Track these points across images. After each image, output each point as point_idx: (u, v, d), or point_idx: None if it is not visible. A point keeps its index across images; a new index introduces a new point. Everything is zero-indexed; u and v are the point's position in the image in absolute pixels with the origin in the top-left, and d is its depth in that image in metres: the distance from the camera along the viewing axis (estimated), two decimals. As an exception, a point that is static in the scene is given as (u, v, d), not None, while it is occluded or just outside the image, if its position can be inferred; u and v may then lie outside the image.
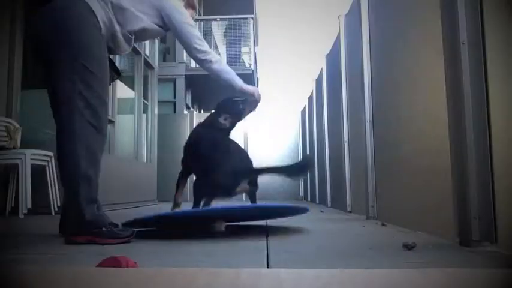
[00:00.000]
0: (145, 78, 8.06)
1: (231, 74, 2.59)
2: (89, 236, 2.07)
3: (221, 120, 2.71)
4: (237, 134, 10.84)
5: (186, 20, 2.48)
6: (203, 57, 2.50)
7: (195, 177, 2.84)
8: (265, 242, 2.15)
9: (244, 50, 11.43)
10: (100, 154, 2.22)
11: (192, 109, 12.05)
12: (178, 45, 10.65)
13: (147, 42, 8.46)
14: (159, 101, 8.74)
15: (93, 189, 2.16)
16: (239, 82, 2.62)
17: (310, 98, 8.64)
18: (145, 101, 8.04)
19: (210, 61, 2.51)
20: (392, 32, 3.17)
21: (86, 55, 2.19)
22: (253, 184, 2.78)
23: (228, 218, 2.50)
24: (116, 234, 2.09)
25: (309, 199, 9.33)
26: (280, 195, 9.95)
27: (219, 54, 14.31)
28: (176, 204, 2.80)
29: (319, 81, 7.12)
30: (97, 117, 2.18)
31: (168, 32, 2.53)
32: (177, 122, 10.39)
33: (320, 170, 7.49)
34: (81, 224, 2.09)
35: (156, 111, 8.42)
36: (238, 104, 2.74)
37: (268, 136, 10.80)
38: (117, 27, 2.32)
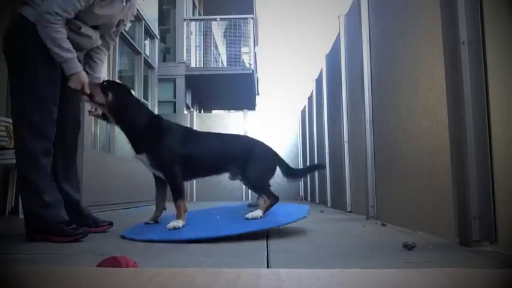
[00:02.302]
0: (145, 78, 8.07)
1: (59, 56, 2.28)
2: (42, 234, 2.21)
3: None
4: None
5: None
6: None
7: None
8: (265, 242, 2.16)
9: (244, 50, 11.43)
10: (43, 156, 2.31)
11: (192, 109, 12.06)
12: (178, 45, 10.68)
13: (147, 42, 8.47)
14: (159, 101, 8.75)
15: (41, 190, 2.27)
16: (68, 69, 2.31)
17: (310, 98, 8.64)
18: (145, 101, 8.05)
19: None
20: (392, 32, 3.17)
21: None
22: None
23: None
24: (66, 233, 2.18)
25: (309, 199, 9.33)
26: (280, 196, 9.94)
27: (219, 54, 14.35)
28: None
29: (319, 81, 7.12)
30: (40, 127, 2.31)
31: None
32: (177, 122, 10.37)
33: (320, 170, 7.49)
34: (34, 224, 2.24)
35: (156, 111, 8.43)
36: None
37: (268, 136, 10.80)
38: None
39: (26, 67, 2.32)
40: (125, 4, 2.56)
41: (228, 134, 2.88)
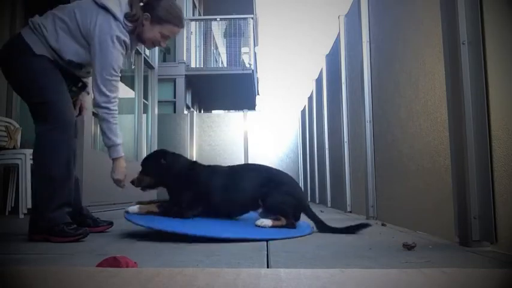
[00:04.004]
0: (145, 78, 8.06)
1: (111, 140, 2.39)
2: (43, 234, 2.21)
3: None
4: (237, 134, 10.87)
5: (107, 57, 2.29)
6: (103, 105, 2.33)
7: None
8: (265, 242, 2.15)
9: (244, 50, 11.43)
10: (63, 151, 2.30)
11: (191, 109, 12.06)
12: (178, 45, 10.68)
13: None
14: (159, 101, 8.75)
15: (54, 189, 2.25)
16: (114, 153, 2.42)
17: (310, 98, 8.64)
18: (145, 101, 8.05)
19: (105, 115, 2.34)
20: (392, 32, 3.17)
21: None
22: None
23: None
24: (66, 233, 2.18)
25: (309, 199, 9.33)
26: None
27: (219, 54, 14.34)
28: None
29: (319, 81, 7.12)
30: (60, 125, 2.29)
31: None
32: (177, 122, 10.39)
33: (320, 170, 7.49)
34: (37, 224, 2.23)
35: (156, 111, 8.43)
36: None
37: (268, 136, 10.80)
38: (57, 58, 2.33)
39: (32, 84, 2.30)
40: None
41: (256, 169, 2.85)
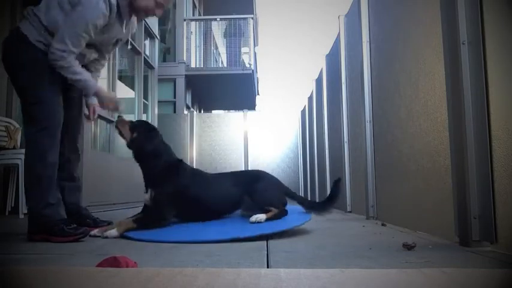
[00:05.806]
0: (145, 78, 8.07)
1: (80, 80, 2.31)
2: (43, 234, 2.20)
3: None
4: (237, 134, 10.83)
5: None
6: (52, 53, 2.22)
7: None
8: (265, 242, 2.16)
9: (244, 50, 11.43)
10: (50, 153, 2.29)
11: (191, 109, 12.06)
12: (178, 45, 10.67)
13: (147, 42, 8.46)
14: (159, 101, 8.75)
15: (43, 188, 2.25)
16: (90, 89, 2.36)
17: (310, 98, 8.64)
18: (145, 101, 8.05)
19: (55, 57, 2.22)
20: (392, 32, 3.17)
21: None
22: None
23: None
24: (66, 233, 2.17)
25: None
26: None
27: (219, 54, 14.33)
28: None
29: (319, 81, 7.12)
30: (47, 124, 2.28)
31: None
32: (177, 122, 10.39)
33: (320, 170, 7.49)
34: (35, 224, 2.23)
35: (156, 111, 8.43)
36: None
37: (268, 136, 10.79)
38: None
39: (27, 80, 2.31)
40: (124, 29, 2.51)
41: (238, 175, 3.01)
